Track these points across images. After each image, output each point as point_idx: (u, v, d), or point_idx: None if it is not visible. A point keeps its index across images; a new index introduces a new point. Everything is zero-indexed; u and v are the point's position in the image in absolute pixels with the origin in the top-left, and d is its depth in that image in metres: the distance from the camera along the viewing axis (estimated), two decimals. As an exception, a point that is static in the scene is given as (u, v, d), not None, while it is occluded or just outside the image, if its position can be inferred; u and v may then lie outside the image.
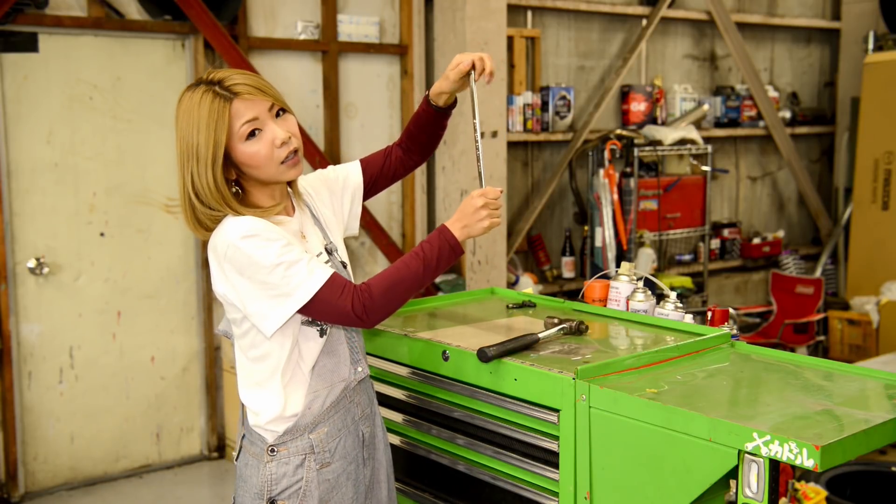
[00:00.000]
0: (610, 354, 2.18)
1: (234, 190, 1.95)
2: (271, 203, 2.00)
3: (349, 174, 2.26)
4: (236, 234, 1.88)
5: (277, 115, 1.95)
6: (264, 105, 1.92)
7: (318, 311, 1.90)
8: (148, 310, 4.64)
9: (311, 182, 2.20)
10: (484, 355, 2.05)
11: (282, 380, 1.96)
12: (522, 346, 2.12)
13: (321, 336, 1.98)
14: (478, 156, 2.19)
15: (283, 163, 1.94)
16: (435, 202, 5.36)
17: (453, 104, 2.27)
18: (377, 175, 2.30)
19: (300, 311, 1.90)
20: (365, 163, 2.30)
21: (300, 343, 1.97)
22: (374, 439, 2.13)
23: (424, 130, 2.29)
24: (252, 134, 1.90)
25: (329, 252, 2.08)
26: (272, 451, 1.97)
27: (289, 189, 2.09)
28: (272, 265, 1.86)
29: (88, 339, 4.49)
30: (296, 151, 1.96)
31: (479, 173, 2.17)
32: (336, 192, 2.22)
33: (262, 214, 1.94)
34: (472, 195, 2.04)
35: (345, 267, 2.10)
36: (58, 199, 4.36)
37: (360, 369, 2.07)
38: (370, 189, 2.30)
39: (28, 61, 4.23)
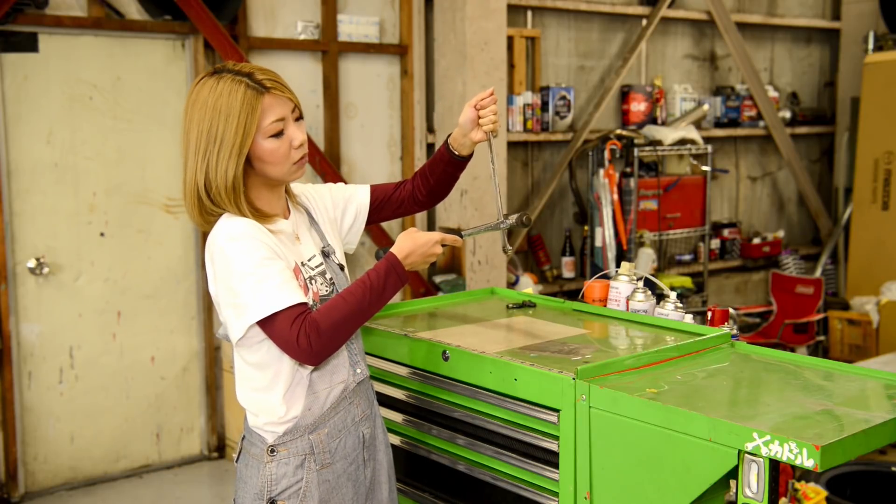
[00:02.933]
0: (610, 354, 2.18)
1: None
2: (269, 200, 2.01)
3: (356, 192, 2.28)
4: (225, 235, 1.89)
5: (298, 119, 1.99)
6: (289, 105, 1.96)
7: (271, 332, 1.88)
8: (148, 310, 4.64)
9: (317, 189, 2.23)
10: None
11: (283, 386, 1.95)
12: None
13: None
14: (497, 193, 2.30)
15: (294, 163, 1.98)
16: (435, 202, 5.35)
17: (470, 156, 2.29)
18: (384, 200, 2.30)
19: (260, 325, 1.88)
20: (375, 187, 2.32)
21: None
22: (375, 440, 2.13)
23: (434, 172, 2.29)
24: (278, 132, 1.93)
25: (326, 255, 2.08)
26: (272, 451, 1.96)
27: (286, 192, 2.11)
28: (246, 273, 1.86)
29: (88, 339, 4.49)
30: (304, 156, 2.01)
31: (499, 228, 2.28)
32: (339, 202, 2.24)
33: (262, 220, 1.95)
34: (432, 237, 2.08)
35: (342, 269, 2.11)
36: (58, 199, 4.36)
37: (359, 371, 2.07)
38: (376, 212, 2.30)
39: (28, 61, 4.23)
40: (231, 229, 1.89)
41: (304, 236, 2.07)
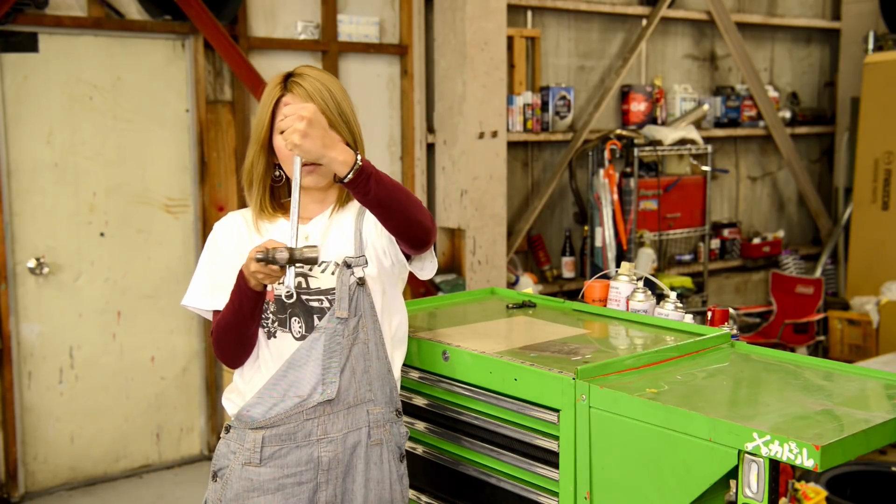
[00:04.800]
0: (610, 354, 2.18)
1: (277, 174, 2.08)
2: (303, 198, 2.03)
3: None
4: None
5: None
6: None
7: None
8: (148, 310, 4.64)
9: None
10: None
11: (241, 372, 2.08)
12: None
13: (268, 338, 2.03)
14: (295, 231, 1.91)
15: None
16: (435, 202, 5.36)
17: (346, 178, 1.85)
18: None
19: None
20: None
21: (260, 342, 2.04)
22: (350, 469, 2.02)
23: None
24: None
25: (348, 265, 2.00)
26: (227, 429, 2.05)
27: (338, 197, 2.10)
28: (201, 259, 2.12)
29: (88, 339, 4.49)
30: (314, 163, 1.94)
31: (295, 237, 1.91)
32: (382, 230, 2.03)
33: (266, 215, 2.08)
34: (251, 253, 1.87)
35: (360, 284, 2.00)
36: (58, 199, 4.36)
37: (328, 391, 1.97)
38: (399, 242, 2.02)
39: (28, 61, 4.23)
40: (220, 221, 2.14)
41: (317, 240, 2.03)
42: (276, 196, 2.11)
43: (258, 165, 2.05)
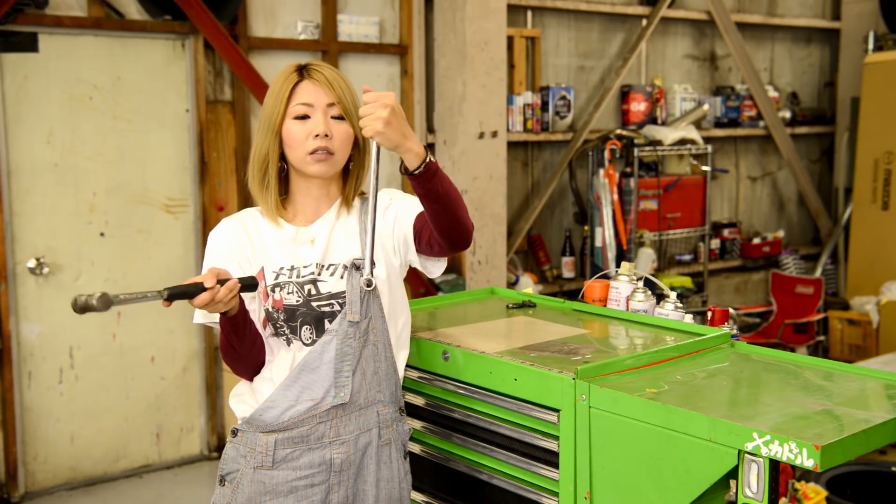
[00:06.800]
0: (610, 354, 2.18)
1: (280, 164, 2.03)
2: (300, 199, 2.06)
3: (406, 218, 2.04)
4: (215, 229, 2.09)
5: (339, 118, 2.00)
6: (325, 98, 1.99)
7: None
8: (148, 310, 4.64)
9: (394, 204, 2.05)
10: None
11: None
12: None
13: (288, 344, 2.01)
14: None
15: (310, 154, 1.96)
16: (435, 202, 5.35)
17: (418, 169, 1.85)
18: (419, 230, 2.03)
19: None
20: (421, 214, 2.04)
21: (272, 348, 2.03)
22: (361, 470, 2.04)
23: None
24: (301, 117, 1.98)
25: (356, 267, 1.98)
26: (234, 433, 2.03)
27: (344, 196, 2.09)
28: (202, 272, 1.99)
29: (88, 339, 4.49)
30: (328, 151, 1.98)
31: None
32: (398, 224, 2.05)
33: (268, 213, 2.03)
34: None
35: (368, 286, 1.97)
36: (58, 199, 4.36)
37: (342, 394, 1.98)
38: (419, 243, 2.03)
39: (28, 61, 4.23)
40: (217, 227, 2.08)
41: (323, 242, 2.03)
42: (279, 191, 2.06)
43: (273, 154, 1.99)
